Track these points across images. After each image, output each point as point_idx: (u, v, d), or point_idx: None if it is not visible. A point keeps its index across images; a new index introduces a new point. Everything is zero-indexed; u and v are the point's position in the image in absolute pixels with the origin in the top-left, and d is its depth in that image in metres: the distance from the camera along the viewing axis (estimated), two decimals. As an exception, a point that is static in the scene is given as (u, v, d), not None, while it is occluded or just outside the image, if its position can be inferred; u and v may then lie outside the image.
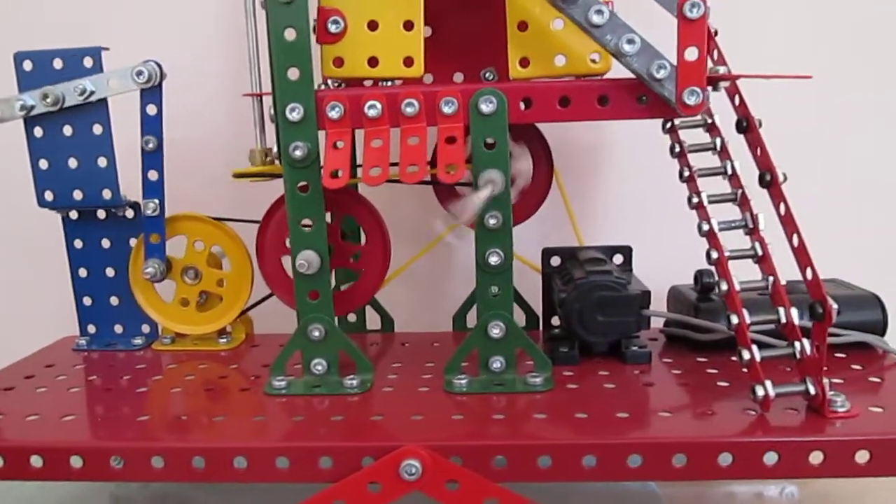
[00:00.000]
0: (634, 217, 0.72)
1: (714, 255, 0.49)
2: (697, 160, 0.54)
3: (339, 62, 0.53)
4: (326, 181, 0.48)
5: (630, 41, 0.45)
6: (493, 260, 0.50)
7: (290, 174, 0.50)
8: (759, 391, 0.45)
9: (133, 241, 0.61)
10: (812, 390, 0.44)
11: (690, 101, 0.45)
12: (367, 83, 0.55)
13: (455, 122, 0.49)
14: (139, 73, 0.54)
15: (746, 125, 0.51)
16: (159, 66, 0.56)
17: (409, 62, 0.53)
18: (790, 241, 0.47)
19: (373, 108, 0.49)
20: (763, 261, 0.48)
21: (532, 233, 0.66)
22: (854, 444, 0.42)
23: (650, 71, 0.45)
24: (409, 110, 0.49)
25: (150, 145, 0.57)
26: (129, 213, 0.61)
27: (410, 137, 0.49)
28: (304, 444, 0.44)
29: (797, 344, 0.46)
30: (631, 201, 0.72)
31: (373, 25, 0.53)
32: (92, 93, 0.56)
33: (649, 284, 0.63)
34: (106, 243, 0.62)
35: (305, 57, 0.49)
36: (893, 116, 0.72)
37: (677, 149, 0.55)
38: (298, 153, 0.49)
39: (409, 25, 0.53)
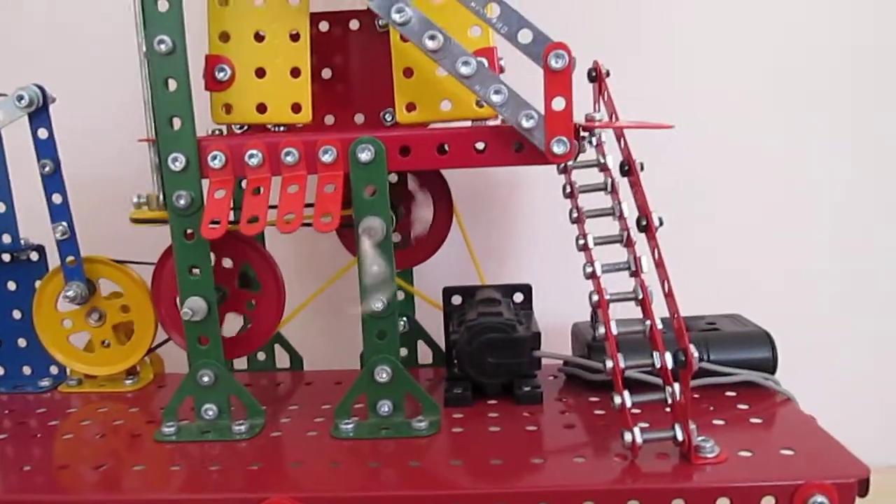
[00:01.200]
0: (543, 252, 0.73)
1: (595, 297, 0.50)
2: (595, 199, 0.55)
3: (227, 109, 0.54)
4: (205, 231, 0.48)
5: (497, 91, 0.46)
6: (378, 305, 0.50)
7: (176, 222, 0.51)
8: (628, 437, 0.45)
9: (38, 283, 0.61)
10: (680, 436, 0.45)
11: (558, 150, 0.46)
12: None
13: (335, 170, 0.49)
14: (20, 98, 0.55)
15: (628, 169, 0.52)
16: (41, 88, 0.56)
17: (296, 108, 0.54)
18: (662, 286, 0.48)
19: (254, 157, 0.49)
20: (643, 304, 0.49)
21: (439, 269, 0.66)
22: (715, 491, 0.42)
23: (518, 121, 0.46)
24: (288, 159, 0.49)
25: (47, 169, 0.57)
26: (34, 256, 0.61)
27: (290, 186, 0.49)
28: (166, 496, 0.44)
29: (668, 388, 0.46)
30: (541, 236, 0.73)
31: (260, 73, 0.53)
32: None
33: (557, 321, 0.63)
34: (12, 286, 0.62)
35: (186, 107, 0.49)
36: (804, 156, 0.73)
37: (568, 189, 0.55)
38: (182, 202, 0.50)
39: (295, 73, 0.53)
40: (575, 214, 0.54)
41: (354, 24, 0.60)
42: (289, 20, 0.53)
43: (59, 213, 0.57)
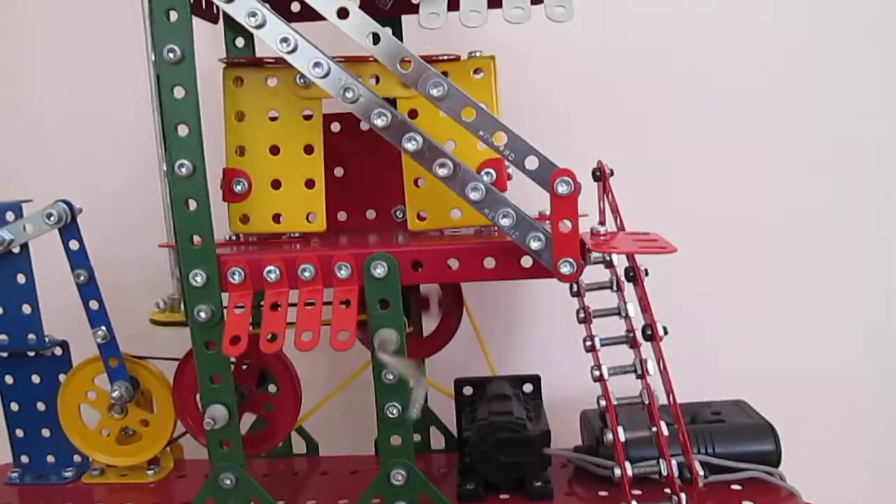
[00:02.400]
0: (548, 338, 0.75)
1: (602, 402, 0.52)
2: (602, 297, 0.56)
3: (245, 219, 0.56)
4: (226, 349, 0.50)
5: (506, 215, 0.48)
6: (393, 412, 0.52)
7: (198, 334, 0.52)
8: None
9: (62, 377, 0.63)
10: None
11: (565, 270, 0.48)
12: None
13: (350, 284, 0.51)
14: (49, 216, 0.57)
15: (633, 276, 0.54)
16: (68, 204, 0.58)
17: (311, 218, 0.56)
18: (667, 397, 0.49)
19: (272, 273, 0.51)
20: (649, 409, 0.51)
21: (450, 354, 0.68)
22: None
23: (527, 243, 0.48)
24: (305, 275, 0.51)
25: (82, 278, 0.59)
26: (58, 351, 0.63)
27: (307, 301, 0.51)
28: None
29: (674, 497, 0.48)
30: (548, 309, 0.75)
31: (276, 184, 0.55)
32: (11, 241, 0.58)
33: (564, 406, 0.65)
34: (36, 379, 0.64)
35: (206, 226, 0.51)
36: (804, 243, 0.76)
37: (574, 288, 0.57)
38: (203, 315, 0.52)
39: (310, 184, 0.55)
40: (582, 315, 0.56)
41: (365, 125, 0.62)
42: (303, 134, 0.55)
43: (98, 318, 0.59)
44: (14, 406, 0.65)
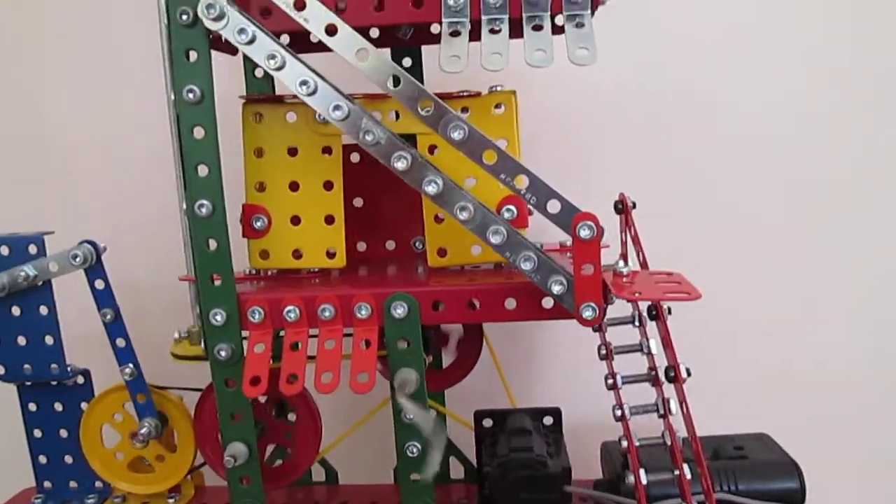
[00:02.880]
0: (570, 368, 0.75)
1: (624, 443, 0.51)
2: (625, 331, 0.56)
3: (265, 255, 0.56)
4: (247, 389, 0.50)
5: (526, 259, 0.47)
6: (412, 451, 0.52)
7: (218, 372, 0.53)
8: None
9: (84, 405, 0.64)
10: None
11: (587, 315, 0.47)
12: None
13: (370, 325, 0.51)
14: (74, 257, 0.57)
15: (656, 313, 0.53)
16: (93, 244, 0.58)
17: (331, 254, 0.56)
18: (690, 438, 0.49)
19: (292, 313, 0.51)
20: (671, 450, 0.50)
21: (471, 388, 0.68)
22: None
23: (549, 287, 0.47)
24: (325, 314, 0.51)
25: (108, 317, 0.59)
26: (80, 380, 0.64)
27: (327, 341, 0.51)
28: None
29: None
30: (573, 351, 0.75)
31: (295, 220, 0.55)
32: (35, 277, 0.59)
33: (586, 434, 0.64)
34: (58, 407, 0.65)
35: (226, 265, 0.51)
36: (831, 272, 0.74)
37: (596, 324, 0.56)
38: (224, 354, 0.52)
39: (330, 220, 0.55)
40: (604, 351, 0.56)
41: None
42: (322, 170, 0.55)
43: (125, 355, 0.59)
44: (37, 433, 0.65)
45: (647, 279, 0.50)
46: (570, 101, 0.74)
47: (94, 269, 0.57)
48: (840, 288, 0.76)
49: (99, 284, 0.58)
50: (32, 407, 0.65)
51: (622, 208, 0.59)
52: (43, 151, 0.81)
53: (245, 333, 0.52)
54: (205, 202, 0.50)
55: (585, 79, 0.72)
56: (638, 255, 0.58)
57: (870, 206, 0.75)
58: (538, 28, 0.47)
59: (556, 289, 0.47)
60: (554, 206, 0.47)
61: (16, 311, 0.60)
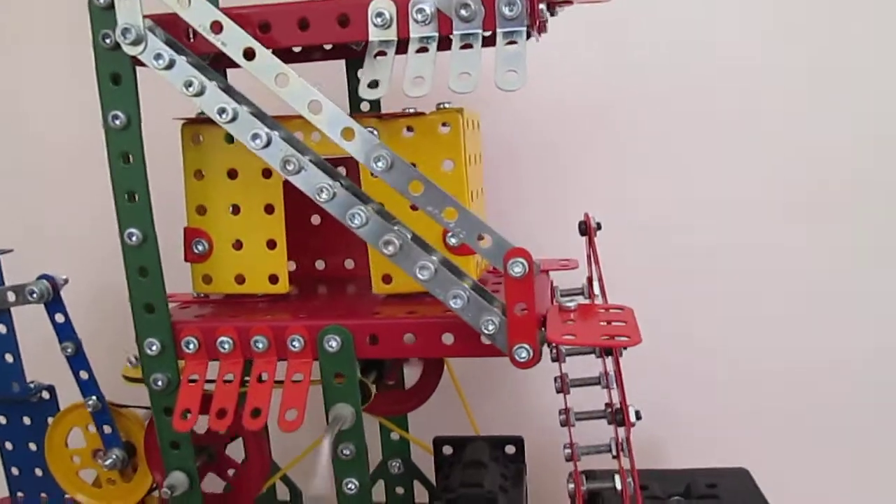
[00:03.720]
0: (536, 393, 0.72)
1: (571, 485, 0.48)
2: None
3: (207, 279, 0.54)
4: (176, 422, 0.49)
5: (456, 296, 0.44)
6: (350, 488, 0.50)
7: (155, 400, 0.52)
8: None
9: (50, 419, 0.64)
10: None
11: (521, 357, 0.44)
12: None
13: (304, 357, 0.49)
14: (31, 293, 0.56)
15: (609, 351, 0.50)
16: (51, 279, 0.57)
17: (274, 279, 0.54)
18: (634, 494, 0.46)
19: (226, 343, 0.49)
20: (621, 496, 0.47)
21: (435, 412, 0.65)
22: None
23: (480, 327, 0.44)
24: (259, 346, 0.49)
25: (70, 350, 0.58)
26: (46, 395, 0.64)
27: (261, 373, 0.49)
28: None
29: None
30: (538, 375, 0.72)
31: (237, 245, 0.53)
32: None
33: (554, 462, 0.62)
34: (27, 420, 0.65)
35: (160, 294, 0.50)
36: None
37: (553, 352, 0.53)
38: (160, 384, 0.51)
39: (272, 244, 0.53)
40: (558, 384, 0.53)
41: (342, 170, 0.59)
42: (263, 193, 0.53)
43: (88, 387, 0.58)
44: (8, 445, 0.66)
45: (593, 317, 0.46)
46: (551, 111, 0.70)
47: (53, 304, 0.56)
48: (835, 316, 0.71)
49: (59, 318, 0.57)
50: (2, 420, 0.65)
51: (585, 229, 0.55)
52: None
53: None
54: (134, 231, 0.48)
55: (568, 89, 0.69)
56: (598, 280, 0.54)
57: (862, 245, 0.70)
58: (511, 44, 0.42)
59: (489, 328, 0.44)
60: (486, 242, 0.44)
61: (-26, 327, 0.61)
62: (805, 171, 0.69)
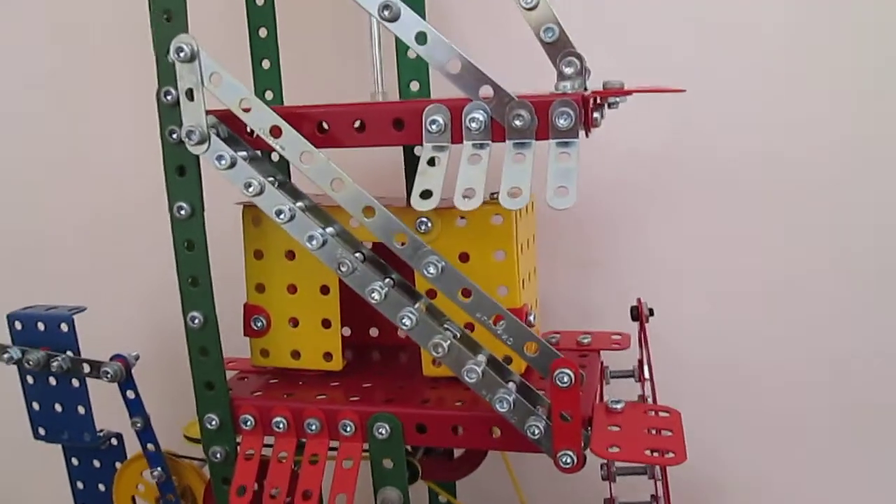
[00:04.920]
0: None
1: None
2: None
3: (265, 353, 0.56)
4: (233, 499, 0.51)
5: (502, 400, 0.45)
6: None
7: (214, 471, 0.54)
8: None
9: (118, 465, 0.68)
10: None
11: (565, 462, 0.44)
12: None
13: (354, 441, 0.50)
14: (105, 374, 0.59)
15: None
16: (124, 359, 0.60)
17: (328, 356, 0.55)
18: None
19: (280, 423, 0.51)
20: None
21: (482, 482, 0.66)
22: None
23: (525, 431, 0.45)
24: (312, 429, 0.51)
25: (139, 425, 0.61)
26: (114, 442, 0.67)
27: (311, 456, 0.51)
28: None
29: None
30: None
31: (294, 322, 0.55)
32: (69, 370, 0.62)
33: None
34: (97, 463, 0.69)
35: (220, 373, 0.52)
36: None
37: (604, 470, 0.54)
38: (219, 456, 0.53)
39: (326, 324, 0.55)
40: (604, 471, 0.53)
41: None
42: (319, 274, 0.54)
43: (155, 460, 0.61)
44: (80, 485, 0.70)
45: (639, 422, 0.46)
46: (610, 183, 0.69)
47: (125, 383, 0.59)
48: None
49: (130, 394, 0.60)
50: (75, 461, 0.69)
51: (637, 315, 0.55)
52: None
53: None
54: (197, 314, 0.50)
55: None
56: (648, 365, 0.54)
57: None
58: (564, 156, 0.42)
59: (534, 432, 0.45)
60: (531, 348, 0.45)
61: (52, 381, 0.64)
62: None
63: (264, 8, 0.59)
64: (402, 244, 0.45)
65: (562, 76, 0.45)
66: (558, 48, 0.45)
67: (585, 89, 0.48)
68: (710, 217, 0.68)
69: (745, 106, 0.66)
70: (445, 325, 0.47)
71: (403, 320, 0.45)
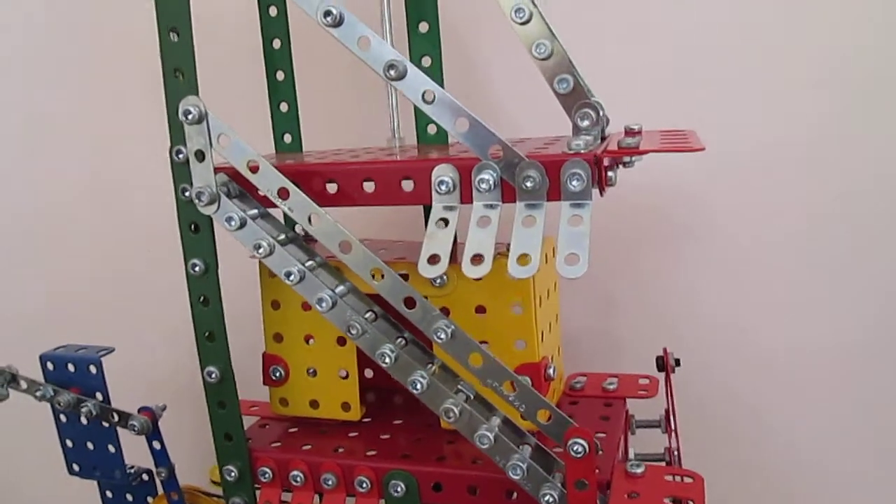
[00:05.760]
0: None
1: None
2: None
3: (284, 402, 0.56)
4: (250, 551, 0.51)
5: (515, 467, 0.43)
6: None
7: (237, 524, 0.54)
8: None
9: (150, 499, 0.69)
10: None
11: (581, 535, 0.43)
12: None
13: (371, 498, 0.50)
14: (133, 426, 0.60)
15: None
16: (151, 412, 0.60)
17: (346, 407, 0.55)
18: None
19: (298, 477, 0.51)
20: None
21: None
22: None
23: (540, 497, 0.44)
24: (328, 483, 0.50)
25: (163, 475, 0.62)
26: (145, 477, 0.68)
27: (330, 510, 0.51)
28: None
29: None
30: None
31: (312, 373, 0.55)
32: (98, 415, 0.63)
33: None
34: (129, 497, 0.70)
35: (238, 426, 0.52)
36: None
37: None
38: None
39: (344, 374, 0.54)
40: None
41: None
42: (334, 327, 0.53)
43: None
44: (114, 518, 0.71)
45: (659, 489, 0.44)
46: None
47: (151, 435, 0.60)
48: None
49: (156, 445, 0.61)
50: (109, 494, 0.70)
51: (663, 366, 0.53)
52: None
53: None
54: (213, 369, 0.51)
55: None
56: (673, 417, 0.52)
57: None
58: (576, 219, 0.40)
59: (549, 500, 0.43)
60: (543, 416, 0.43)
61: (83, 420, 0.65)
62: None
63: (281, 51, 0.58)
64: (412, 308, 0.44)
65: (577, 130, 0.44)
66: (573, 99, 0.43)
67: (603, 138, 0.46)
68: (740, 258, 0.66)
69: (787, 151, 0.63)
70: (459, 387, 0.46)
71: (415, 385, 0.44)
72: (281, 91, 0.59)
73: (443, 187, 0.43)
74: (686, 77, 0.64)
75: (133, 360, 0.65)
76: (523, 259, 0.40)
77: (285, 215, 0.47)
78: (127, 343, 0.66)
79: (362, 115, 0.70)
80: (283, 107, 0.59)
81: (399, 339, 0.46)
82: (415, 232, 0.63)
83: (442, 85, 0.57)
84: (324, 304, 0.45)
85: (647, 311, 0.69)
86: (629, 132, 0.50)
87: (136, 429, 0.59)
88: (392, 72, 0.42)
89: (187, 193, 0.48)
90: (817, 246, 0.64)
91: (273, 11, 0.57)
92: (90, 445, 0.66)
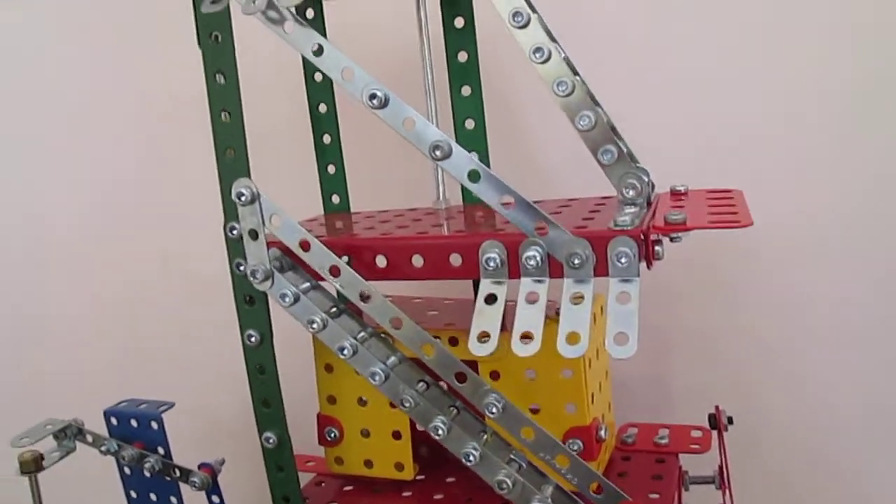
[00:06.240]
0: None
1: None
2: None
3: (339, 461, 0.57)
4: None
5: (571, 540, 0.44)
6: None
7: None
8: None
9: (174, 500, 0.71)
10: None
11: None
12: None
13: (425, 559, 0.51)
14: (193, 483, 0.61)
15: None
16: (210, 468, 0.62)
17: (399, 467, 0.56)
18: None
19: (353, 540, 0.52)
20: None
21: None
22: None
23: (594, 569, 0.44)
24: (383, 547, 0.51)
25: None
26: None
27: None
28: None
29: None
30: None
31: (365, 433, 0.56)
32: (160, 471, 0.65)
33: None
34: (153, 496, 0.72)
35: (295, 488, 0.53)
36: None
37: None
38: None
39: (397, 435, 0.55)
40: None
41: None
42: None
43: None
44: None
45: None
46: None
47: (211, 490, 0.62)
48: None
49: (215, 500, 0.63)
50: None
51: (715, 423, 0.53)
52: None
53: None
54: (271, 435, 0.52)
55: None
56: (726, 473, 0.52)
57: None
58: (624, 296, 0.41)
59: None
60: (594, 488, 0.43)
61: (146, 472, 0.68)
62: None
63: (327, 115, 0.59)
64: (462, 382, 0.45)
65: (623, 202, 0.44)
66: (618, 170, 0.44)
67: (649, 204, 0.46)
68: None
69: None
70: (511, 456, 0.46)
71: (468, 457, 0.45)
72: (328, 153, 0.60)
73: (491, 264, 0.44)
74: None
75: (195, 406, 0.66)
76: (573, 337, 0.40)
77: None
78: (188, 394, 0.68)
79: (408, 175, 0.71)
80: (331, 169, 0.61)
81: (451, 408, 0.47)
82: (464, 283, 0.63)
83: (486, 146, 0.58)
84: (377, 378, 0.46)
85: (697, 353, 0.68)
86: (675, 194, 0.50)
87: (196, 485, 0.60)
88: (437, 152, 0.43)
89: (242, 268, 0.49)
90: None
91: (318, 77, 0.59)
92: (153, 497, 0.68)
